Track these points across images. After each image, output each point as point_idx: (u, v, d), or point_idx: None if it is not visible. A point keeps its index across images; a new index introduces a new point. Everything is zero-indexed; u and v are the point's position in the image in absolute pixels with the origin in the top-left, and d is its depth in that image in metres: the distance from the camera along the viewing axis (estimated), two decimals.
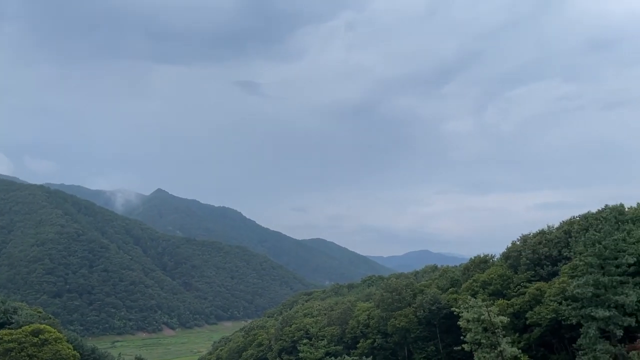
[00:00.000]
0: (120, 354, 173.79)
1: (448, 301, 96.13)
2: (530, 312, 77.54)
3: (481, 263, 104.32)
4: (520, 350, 60.48)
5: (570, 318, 62.78)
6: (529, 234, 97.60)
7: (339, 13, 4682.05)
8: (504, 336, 57.81)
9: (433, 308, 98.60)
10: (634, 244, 66.77)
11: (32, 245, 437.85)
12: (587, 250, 61.07)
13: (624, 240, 63.53)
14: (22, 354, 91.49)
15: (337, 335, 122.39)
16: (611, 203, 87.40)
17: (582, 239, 64.10)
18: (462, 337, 59.66)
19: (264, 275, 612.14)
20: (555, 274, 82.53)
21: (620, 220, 76.98)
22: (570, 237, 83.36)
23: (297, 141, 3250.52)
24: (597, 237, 60.51)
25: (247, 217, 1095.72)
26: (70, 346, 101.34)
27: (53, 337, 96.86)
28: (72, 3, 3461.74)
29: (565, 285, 70.27)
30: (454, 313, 66.28)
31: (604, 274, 58.21)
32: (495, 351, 54.89)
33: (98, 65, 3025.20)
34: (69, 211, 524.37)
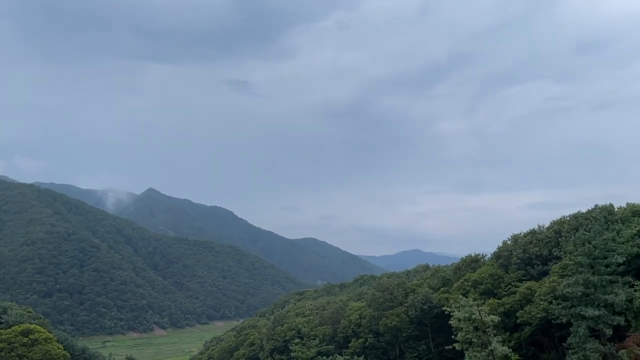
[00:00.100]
0: (111, 354, 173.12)
1: (439, 300, 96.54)
2: (520, 311, 78.05)
3: (472, 262, 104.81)
4: (510, 349, 60.83)
5: (560, 317, 63.22)
6: (520, 234, 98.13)
7: (331, 12, 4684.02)
8: (495, 335, 58.10)
9: (424, 307, 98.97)
10: (623, 243, 67.38)
11: (22, 244, 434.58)
12: (577, 249, 61.47)
13: (613, 239, 64.04)
14: (12, 354, 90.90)
15: (329, 335, 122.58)
16: (601, 203, 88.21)
17: (572, 238, 64.47)
18: (453, 336, 59.90)
19: (256, 274, 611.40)
20: (545, 273, 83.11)
21: (609, 220, 77.62)
22: (561, 236, 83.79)
23: (289, 140, 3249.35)
24: (587, 236, 60.92)
25: (239, 216, 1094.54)
26: (61, 346, 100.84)
27: (43, 337, 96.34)
28: (61, 1, 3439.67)
29: (555, 284, 70.79)
30: (445, 312, 66.50)
31: (593, 274, 58.65)
32: (486, 350, 55.16)
33: (88, 63, 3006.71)
34: (59, 210, 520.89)
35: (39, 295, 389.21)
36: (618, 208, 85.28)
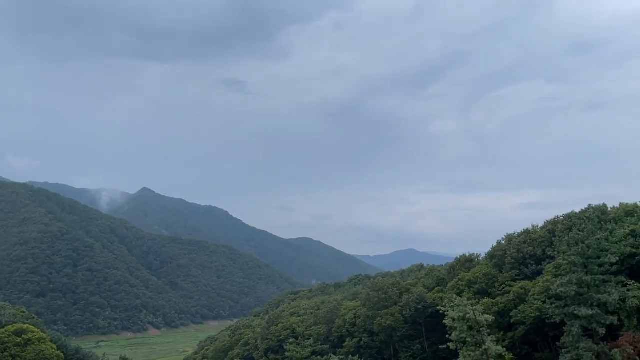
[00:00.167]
0: (104, 354, 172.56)
1: (434, 300, 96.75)
2: (514, 310, 78.28)
3: (467, 262, 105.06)
4: (504, 349, 61.01)
5: (553, 316, 63.48)
6: (514, 234, 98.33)
7: (326, 12, 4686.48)
8: (489, 334, 58.29)
9: (419, 307, 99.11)
10: (616, 243, 67.72)
11: (15, 244, 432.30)
12: (570, 249, 61.73)
13: (606, 239, 64.39)
14: (5, 354, 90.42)
15: (324, 334, 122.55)
16: (594, 203, 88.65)
17: (566, 238, 64.76)
18: (447, 336, 60.04)
19: (250, 274, 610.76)
20: (539, 272, 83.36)
21: (603, 220, 78.00)
22: (554, 236, 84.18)
23: (284, 140, 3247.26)
24: (580, 236, 61.21)
25: (234, 216, 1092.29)
26: (54, 346, 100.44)
27: (36, 337, 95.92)
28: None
29: (549, 284, 71.04)
30: (440, 312, 66.72)
31: (587, 273, 58.93)
32: (480, 349, 55.34)
33: (82, 62, 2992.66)
34: (52, 210, 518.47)
35: (33, 295, 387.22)
36: (611, 208, 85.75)
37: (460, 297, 64.09)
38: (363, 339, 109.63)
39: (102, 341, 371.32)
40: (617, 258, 61.68)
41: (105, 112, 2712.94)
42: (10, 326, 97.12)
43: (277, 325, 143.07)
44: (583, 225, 64.39)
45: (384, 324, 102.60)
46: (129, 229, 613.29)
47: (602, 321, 56.59)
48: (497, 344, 58.61)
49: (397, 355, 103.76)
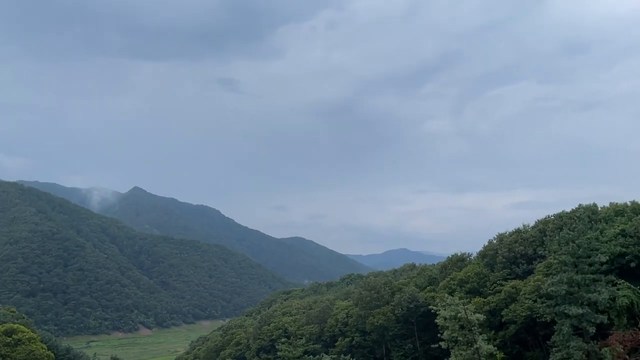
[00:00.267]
0: (95, 354, 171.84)
1: (426, 299, 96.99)
2: (505, 309, 78.60)
3: (458, 261, 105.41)
4: (496, 348, 61.25)
5: (544, 315, 63.81)
6: (505, 233, 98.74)
7: (320, 12, 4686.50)
8: (480, 333, 58.49)
9: (411, 306, 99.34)
10: (606, 242, 68.26)
11: (5, 243, 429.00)
12: (561, 248, 62.04)
13: (597, 239, 64.83)
14: None
15: (316, 334, 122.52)
16: (585, 203, 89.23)
17: (557, 237, 65.07)
18: (439, 335, 60.18)
19: (243, 274, 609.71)
20: (530, 272, 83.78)
21: (593, 219, 78.60)
22: (545, 235, 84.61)
23: (277, 139, 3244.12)
24: (571, 236, 61.54)
25: (226, 215, 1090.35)
26: (44, 346, 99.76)
27: (27, 336, 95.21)
28: None
29: (540, 283, 71.38)
30: (432, 311, 66.87)
31: (577, 272, 59.28)
32: (472, 348, 55.54)
33: (74, 61, 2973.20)
34: (43, 209, 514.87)
35: (23, 294, 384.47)
36: (602, 208, 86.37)
37: (452, 296, 64.24)
38: (355, 338, 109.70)
39: (93, 341, 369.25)
40: (607, 257, 62.09)
41: (97, 111, 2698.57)
42: (0, 326, 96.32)
43: (269, 324, 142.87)
44: (574, 225, 64.77)
45: (376, 323, 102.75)
46: (120, 228, 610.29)
47: (592, 320, 56.95)
48: (488, 343, 58.83)
49: (389, 355, 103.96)
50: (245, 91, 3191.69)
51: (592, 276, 59.19)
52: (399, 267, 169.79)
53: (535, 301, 70.87)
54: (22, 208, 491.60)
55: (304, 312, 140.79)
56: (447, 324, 57.65)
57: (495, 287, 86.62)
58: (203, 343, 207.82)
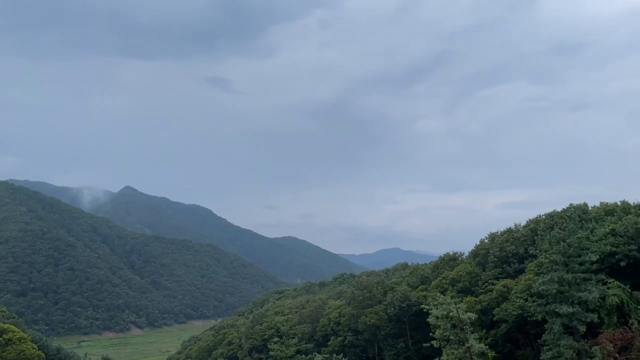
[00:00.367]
0: (86, 354, 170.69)
1: (418, 298, 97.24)
2: (497, 308, 78.96)
3: (450, 261, 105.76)
4: (487, 346, 61.49)
5: (535, 314, 64.19)
6: (497, 232, 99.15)
7: (312, 11, 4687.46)
8: (472, 332, 58.72)
9: (403, 305, 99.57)
10: (596, 242, 68.80)
11: None
12: (552, 248, 62.43)
13: (587, 238, 65.34)
14: None
15: (308, 333, 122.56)
16: (576, 202, 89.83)
17: (548, 237, 65.49)
18: (431, 334, 60.33)
19: (235, 273, 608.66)
20: (521, 271, 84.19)
21: (584, 219, 79.18)
22: (537, 235, 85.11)
23: (269, 139, 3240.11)
24: (561, 235, 61.94)
25: (218, 215, 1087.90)
26: (35, 346, 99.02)
27: (17, 336, 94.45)
28: None
29: (531, 282, 71.75)
30: (424, 310, 67.02)
31: (568, 271, 59.69)
32: (464, 347, 55.78)
33: (65, 59, 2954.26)
34: (33, 208, 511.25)
35: (13, 294, 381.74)
36: (592, 207, 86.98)
37: (444, 295, 64.50)
38: (347, 337, 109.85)
39: (84, 341, 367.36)
40: (598, 256, 62.57)
41: (88, 110, 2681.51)
42: None
43: (261, 324, 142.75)
44: (564, 224, 65.23)
45: (368, 323, 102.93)
46: (111, 227, 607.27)
47: (583, 319, 57.37)
48: (480, 342, 59.09)
49: (381, 354, 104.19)
50: (237, 90, 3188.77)
51: (582, 275, 59.62)
52: (391, 267, 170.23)
53: (526, 300, 71.25)
54: (12, 207, 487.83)
55: (296, 312, 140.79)
56: (439, 323, 57.85)
57: (486, 286, 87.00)
58: (195, 343, 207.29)
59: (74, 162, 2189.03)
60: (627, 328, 59.87)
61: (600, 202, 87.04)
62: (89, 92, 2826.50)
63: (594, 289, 58.61)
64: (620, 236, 70.05)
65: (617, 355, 56.83)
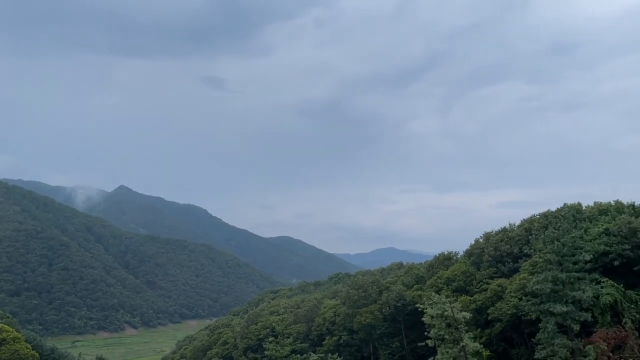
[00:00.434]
0: (80, 353, 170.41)
1: (413, 298, 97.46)
2: (491, 307, 79.21)
3: (445, 260, 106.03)
4: (481, 345, 61.65)
5: (529, 313, 64.47)
6: (492, 232, 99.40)
7: (308, 10, 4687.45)
8: (467, 331, 58.88)
9: (398, 305, 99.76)
10: (590, 241, 69.15)
11: None
12: (546, 247, 62.69)
13: (581, 237, 65.64)
14: None
15: (303, 333, 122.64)
16: (570, 202, 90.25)
17: (542, 236, 65.74)
18: (426, 333, 60.46)
19: (230, 273, 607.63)
20: (516, 270, 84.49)
21: (577, 218, 79.49)
22: (531, 234, 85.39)
23: (264, 138, 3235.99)
24: (555, 234, 62.21)
25: (213, 214, 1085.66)
26: (29, 346, 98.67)
27: (11, 336, 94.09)
28: None
29: (525, 281, 72.03)
30: (419, 309, 67.12)
31: (562, 271, 59.97)
32: (458, 346, 55.91)
33: (59, 58, 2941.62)
34: (27, 208, 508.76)
35: (7, 294, 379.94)
36: (586, 207, 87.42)
37: (439, 294, 64.67)
38: (342, 337, 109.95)
39: (78, 341, 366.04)
40: (591, 256, 62.90)
41: (81, 108, 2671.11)
42: None
43: (256, 324, 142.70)
44: (558, 224, 65.46)
45: (363, 322, 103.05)
46: (106, 227, 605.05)
47: (577, 318, 57.65)
48: (474, 341, 59.28)
49: (376, 353, 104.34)
50: (233, 89, 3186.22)
51: (576, 274, 59.92)
52: (386, 266, 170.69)
53: (520, 299, 71.53)
54: (5, 207, 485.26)
55: (291, 311, 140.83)
56: (433, 322, 57.96)
57: (481, 286, 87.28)
58: (190, 343, 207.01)
59: (68, 162, 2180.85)
60: (621, 327, 60.18)
61: (594, 202, 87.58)
62: (84, 91, 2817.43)
63: (587, 288, 58.91)
64: (614, 236, 70.42)
65: (611, 354, 57.12)
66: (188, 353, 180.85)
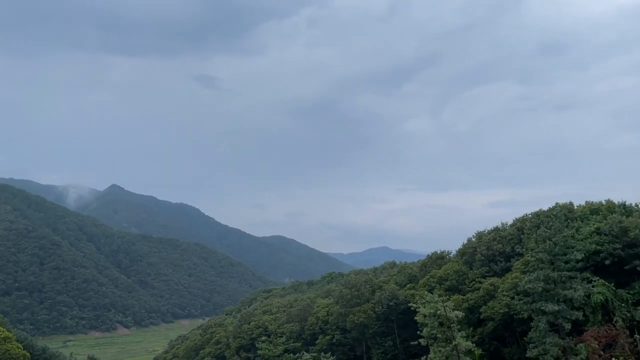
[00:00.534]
0: (72, 353, 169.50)
1: (405, 297, 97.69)
2: (484, 306, 79.53)
3: (438, 259, 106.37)
4: (474, 344, 61.95)
5: (521, 312, 64.84)
6: (484, 231, 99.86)
7: (301, 9, 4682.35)
8: (459, 330, 59.06)
9: (391, 304, 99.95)
10: (582, 240, 69.60)
11: None
12: (538, 246, 63.06)
13: (572, 237, 66.11)
14: None
15: (296, 332, 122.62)
16: (561, 201, 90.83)
17: (534, 235, 66.17)
18: (418, 332, 60.59)
19: (223, 272, 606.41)
20: (508, 269, 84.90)
21: (569, 217, 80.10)
22: (523, 234, 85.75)
23: (257, 137, 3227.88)
24: (547, 234, 62.57)
25: (206, 214, 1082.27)
26: (20, 345, 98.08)
27: (2, 336, 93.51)
28: None
29: (517, 280, 72.41)
30: (411, 308, 67.24)
31: (553, 270, 60.33)
32: (451, 345, 56.08)
33: (51, 56, 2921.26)
34: (18, 207, 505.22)
35: None
36: (577, 206, 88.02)
37: (432, 293, 64.82)
38: (335, 336, 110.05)
39: (70, 341, 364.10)
40: (583, 255, 63.33)
41: (73, 107, 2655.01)
42: None
43: (249, 323, 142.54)
44: (550, 223, 65.85)
45: (356, 321, 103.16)
46: (98, 226, 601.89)
47: (568, 316, 58.03)
48: (466, 340, 59.45)
49: (369, 352, 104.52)
50: (224, 88, 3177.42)
51: (568, 273, 60.31)
52: (379, 265, 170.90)
53: (512, 298, 71.89)
54: None
55: (284, 311, 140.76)
56: (426, 321, 58.10)
57: (473, 285, 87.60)
58: (182, 342, 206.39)
59: (59, 160, 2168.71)
60: (612, 326, 60.64)
61: (586, 201, 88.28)
62: (76, 90, 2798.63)
63: (579, 287, 59.30)
64: (605, 235, 70.93)
65: (602, 352, 57.54)
66: (180, 353, 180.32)
